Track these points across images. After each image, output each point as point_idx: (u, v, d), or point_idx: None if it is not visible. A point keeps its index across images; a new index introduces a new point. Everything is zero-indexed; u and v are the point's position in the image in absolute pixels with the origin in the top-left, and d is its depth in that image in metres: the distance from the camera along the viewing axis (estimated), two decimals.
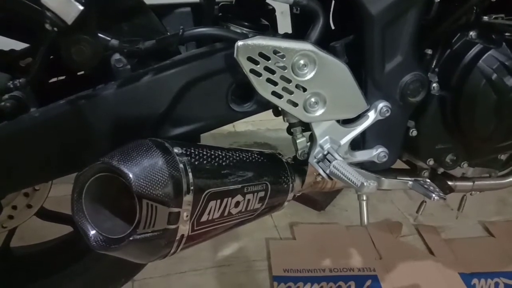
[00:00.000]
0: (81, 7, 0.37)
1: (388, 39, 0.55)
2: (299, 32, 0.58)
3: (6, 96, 0.48)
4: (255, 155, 0.57)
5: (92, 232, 0.43)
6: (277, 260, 0.89)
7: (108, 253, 0.44)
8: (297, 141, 0.58)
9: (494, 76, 0.57)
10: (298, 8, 0.58)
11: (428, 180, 0.64)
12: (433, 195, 0.60)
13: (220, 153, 0.52)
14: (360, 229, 0.97)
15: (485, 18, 0.60)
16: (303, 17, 0.58)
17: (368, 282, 0.86)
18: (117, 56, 0.49)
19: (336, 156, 0.55)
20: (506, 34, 0.59)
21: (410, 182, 0.64)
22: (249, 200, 0.54)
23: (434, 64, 0.62)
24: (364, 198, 0.60)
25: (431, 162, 0.66)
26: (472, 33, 0.60)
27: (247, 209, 0.54)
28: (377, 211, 1.03)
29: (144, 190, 0.41)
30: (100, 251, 0.44)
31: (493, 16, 0.60)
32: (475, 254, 0.96)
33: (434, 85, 0.61)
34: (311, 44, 0.51)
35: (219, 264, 0.90)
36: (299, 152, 0.59)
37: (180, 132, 0.55)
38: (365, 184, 0.48)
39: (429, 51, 0.62)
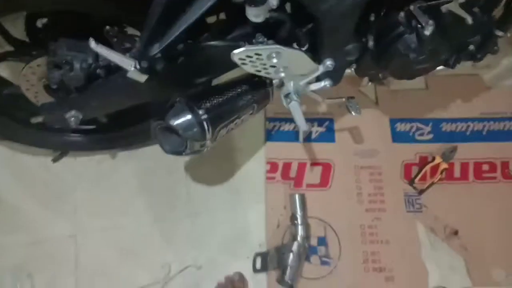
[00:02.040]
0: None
1: (333, 30, 0.82)
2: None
3: None
4: (246, 86, 0.94)
5: (167, 147, 0.90)
6: (271, 106, 1.34)
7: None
8: (273, 81, 0.95)
9: (404, 53, 0.86)
10: None
11: (354, 101, 1.01)
12: (353, 112, 0.99)
13: (223, 97, 0.90)
14: None
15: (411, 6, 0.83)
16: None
17: (326, 123, 1.33)
18: None
19: (294, 98, 0.92)
20: (417, 21, 0.83)
21: (343, 99, 1.02)
22: (243, 118, 0.96)
23: (373, 28, 0.89)
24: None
25: (365, 79, 1.03)
26: (401, 16, 0.85)
27: (242, 121, 0.97)
28: None
29: (188, 137, 0.85)
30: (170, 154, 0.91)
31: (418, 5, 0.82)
32: (409, 103, 1.37)
33: (371, 43, 0.90)
34: (278, 46, 0.80)
35: None
36: (275, 85, 0.96)
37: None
38: (302, 129, 0.88)
39: (372, 18, 0.88)
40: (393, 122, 1.34)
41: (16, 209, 1.22)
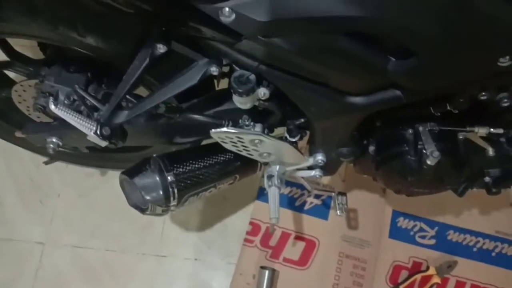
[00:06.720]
0: None
1: (325, 133, 0.75)
2: None
3: None
4: (232, 153, 0.87)
5: (130, 201, 0.85)
6: None
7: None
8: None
9: (402, 174, 0.77)
10: None
11: (344, 198, 0.92)
12: (338, 211, 0.91)
13: (201, 163, 0.84)
14: None
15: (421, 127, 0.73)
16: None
17: (323, 196, 1.22)
18: None
19: (276, 182, 0.84)
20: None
21: (334, 194, 0.93)
22: (220, 187, 0.90)
23: (377, 135, 0.80)
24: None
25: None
26: (409, 133, 0.75)
27: (218, 189, 0.91)
28: None
29: (150, 200, 0.80)
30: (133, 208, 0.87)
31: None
32: (419, 199, 1.24)
33: (372, 148, 0.81)
34: (262, 135, 0.73)
35: None
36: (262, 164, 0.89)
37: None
38: (271, 221, 0.81)
39: (378, 123, 0.79)
40: (395, 215, 1.23)
41: None
